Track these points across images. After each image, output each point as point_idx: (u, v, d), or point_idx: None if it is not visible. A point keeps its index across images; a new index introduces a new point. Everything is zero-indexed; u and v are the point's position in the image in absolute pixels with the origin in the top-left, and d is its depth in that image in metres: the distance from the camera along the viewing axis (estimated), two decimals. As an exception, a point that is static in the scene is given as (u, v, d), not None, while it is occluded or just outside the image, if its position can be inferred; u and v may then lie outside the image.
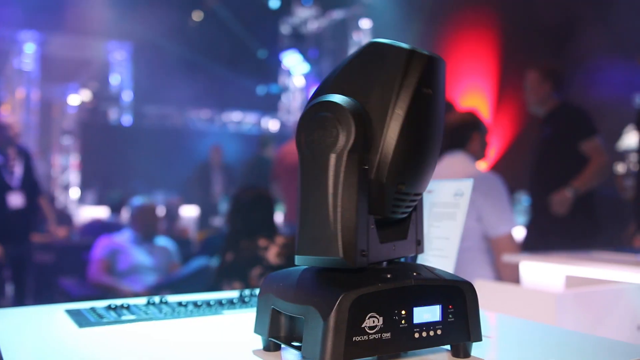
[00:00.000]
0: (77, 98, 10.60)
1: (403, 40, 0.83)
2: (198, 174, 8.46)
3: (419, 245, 0.89)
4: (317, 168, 0.76)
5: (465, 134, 2.90)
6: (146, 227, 4.45)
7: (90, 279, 4.24)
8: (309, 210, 0.77)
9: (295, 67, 9.68)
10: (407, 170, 0.79)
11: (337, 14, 9.14)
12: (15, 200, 4.73)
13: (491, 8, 6.99)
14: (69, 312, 1.14)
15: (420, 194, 0.85)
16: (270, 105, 10.79)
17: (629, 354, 0.89)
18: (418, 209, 0.89)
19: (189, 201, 9.35)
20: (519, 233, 3.72)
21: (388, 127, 0.76)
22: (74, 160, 10.49)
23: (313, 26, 9.52)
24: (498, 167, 2.99)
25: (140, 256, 4.34)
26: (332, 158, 0.75)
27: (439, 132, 0.82)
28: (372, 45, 0.80)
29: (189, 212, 9.05)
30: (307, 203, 0.77)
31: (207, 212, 8.00)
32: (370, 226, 0.78)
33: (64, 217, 7.73)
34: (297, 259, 0.79)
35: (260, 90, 10.24)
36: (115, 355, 0.87)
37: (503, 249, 2.70)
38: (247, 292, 1.31)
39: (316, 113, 0.77)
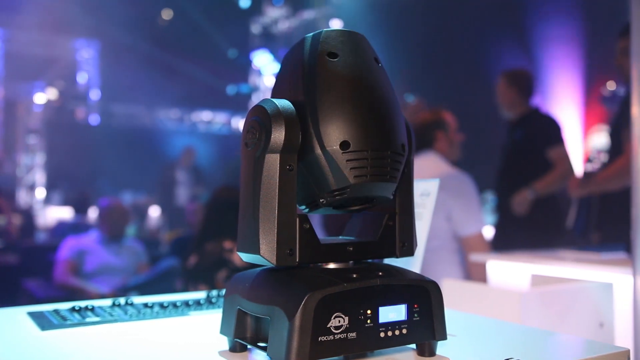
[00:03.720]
0: (43, 97, 10.42)
1: (372, 41, 0.85)
2: (165, 175, 8.40)
3: (403, 247, 0.87)
4: (245, 170, 0.80)
5: (429, 133, 2.94)
6: (114, 227, 4.39)
7: (56, 280, 4.17)
8: (242, 209, 0.81)
9: (265, 66, 9.65)
10: (345, 127, 0.77)
11: (308, 14, 9.14)
12: None
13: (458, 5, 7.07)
14: (31, 314, 1.12)
15: (386, 152, 0.79)
16: (240, 105, 10.74)
17: (591, 350, 0.91)
18: (401, 209, 0.87)
19: (158, 202, 9.26)
20: (488, 232, 3.78)
21: (307, 102, 0.78)
22: (39, 159, 10.30)
23: (284, 26, 9.50)
24: (466, 167, 3.02)
25: (107, 257, 4.28)
26: (257, 160, 0.78)
27: (368, 88, 0.79)
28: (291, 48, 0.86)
29: (159, 212, 8.96)
30: (241, 203, 0.81)
31: (173, 213, 7.94)
32: (303, 225, 0.79)
33: (29, 217, 7.59)
34: (239, 255, 0.83)
35: (231, 89, 10.18)
36: (78, 358, 0.86)
37: (473, 247, 2.73)
38: (214, 292, 1.30)
39: (249, 117, 0.81)
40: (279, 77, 0.85)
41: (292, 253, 0.78)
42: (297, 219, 0.78)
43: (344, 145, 0.77)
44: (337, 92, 0.78)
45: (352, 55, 0.80)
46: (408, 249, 0.88)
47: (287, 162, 0.77)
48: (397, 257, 0.87)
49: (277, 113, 0.77)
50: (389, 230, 0.86)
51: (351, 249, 0.83)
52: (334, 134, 0.77)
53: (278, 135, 0.77)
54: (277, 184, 0.77)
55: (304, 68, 0.80)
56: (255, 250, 0.78)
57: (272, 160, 0.77)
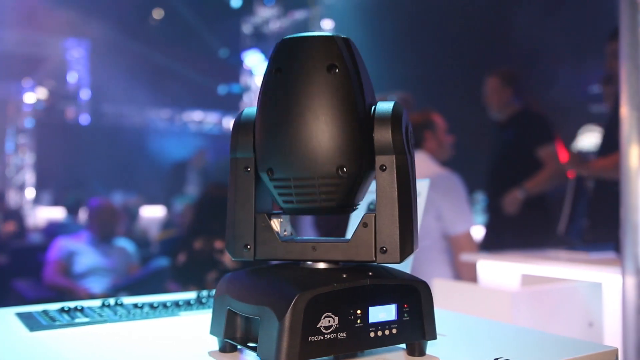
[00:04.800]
0: (33, 96, 10.35)
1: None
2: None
3: (384, 253, 0.80)
4: None
5: (418, 134, 2.96)
6: (104, 227, 4.37)
7: (45, 280, 4.15)
8: None
9: (257, 66, 9.63)
10: (270, 154, 0.80)
11: (299, 14, 9.13)
12: None
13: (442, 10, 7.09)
14: (20, 315, 1.11)
15: (312, 180, 0.78)
16: (231, 105, 10.71)
17: (580, 350, 0.91)
18: (381, 211, 0.80)
19: (151, 201, 9.23)
20: (478, 232, 3.79)
21: (255, 119, 0.83)
22: (29, 159, 10.23)
23: (275, 26, 9.48)
24: (456, 167, 3.04)
25: (97, 258, 4.27)
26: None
27: (304, 109, 0.77)
28: None
29: (151, 212, 8.94)
30: None
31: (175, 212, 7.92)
32: (261, 224, 0.83)
33: (19, 218, 7.54)
34: None
35: (222, 89, 10.16)
36: (67, 359, 0.85)
37: (461, 247, 2.75)
38: (204, 293, 1.30)
39: None
40: None
41: (249, 248, 0.83)
42: (255, 218, 0.83)
43: (270, 172, 0.81)
44: (268, 114, 0.80)
45: (295, 69, 0.78)
46: (391, 255, 0.80)
47: (242, 164, 0.83)
48: (375, 262, 0.81)
49: (237, 120, 0.84)
50: (366, 232, 0.81)
51: (315, 249, 0.82)
52: (263, 160, 0.81)
53: (233, 140, 0.84)
54: (235, 184, 0.84)
55: (262, 81, 0.83)
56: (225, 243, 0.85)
57: (232, 163, 0.84)
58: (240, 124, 0.84)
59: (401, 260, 0.80)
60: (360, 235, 0.81)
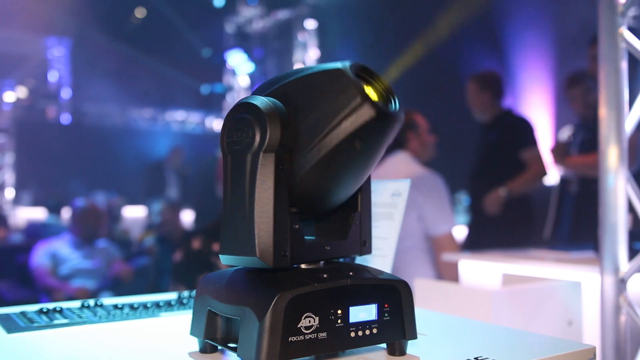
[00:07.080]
0: (12, 95, 10.22)
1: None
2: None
3: (364, 246, 0.89)
4: (236, 169, 0.77)
5: (401, 134, 2.96)
6: (88, 229, 4.34)
7: (39, 284, 4.09)
8: (230, 210, 0.78)
9: (240, 66, 9.60)
10: (310, 198, 0.80)
11: (282, 14, 9.12)
12: None
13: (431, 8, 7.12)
14: (-2, 317, 1.10)
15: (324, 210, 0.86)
16: (214, 105, 10.67)
17: (559, 348, 0.92)
18: (363, 208, 0.88)
19: (133, 201, 9.17)
20: (460, 232, 3.81)
21: (308, 154, 0.75)
22: (9, 159, 10.11)
23: (258, 25, 9.46)
24: (439, 167, 3.05)
25: (80, 259, 4.23)
26: (249, 159, 0.75)
27: (354, 180, 0.81)
28: (337, 72, 0.75)
29: (133, 212, 8.88)
30: (229, 203, 0.78)
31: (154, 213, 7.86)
32: (293, 226, 0.78)
33: (2, 220, 7.44)
34: (221, 258, 0.79)
35: (205, 89, 10.12)
36: (44, 360, 0.84)
37: (443, 247, 2.76)
38: (185, 293, 1.29)
39: (237, 114, 0.78)
40: (307, 82, 0.78)
41: (286, 254, 0.77)
42: (289, 219, 0.77)
43: (298, 208, 0.81)
44: (328, 177, 0.78)
45: (373, 148, 0.78)
46: (368, 248, 0.89)
47: (281, 162, 0.75)
48: (359, 255, 0.88)
49: (273, 111, 0.75)
50: (354, 229, 0.88)
51: (328, 248, 0.84)
52: (300, 198, 0.78)
53: (274, 134, 0.74)
54: (273, 184, 0.74)
55: (332, 124, 0.73)
56: (250, 252, 0.75)
57: (268, 159, 0.74)
58: (280, 117, 0.75)
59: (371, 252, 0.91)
60: (353, 232, 0.87)
